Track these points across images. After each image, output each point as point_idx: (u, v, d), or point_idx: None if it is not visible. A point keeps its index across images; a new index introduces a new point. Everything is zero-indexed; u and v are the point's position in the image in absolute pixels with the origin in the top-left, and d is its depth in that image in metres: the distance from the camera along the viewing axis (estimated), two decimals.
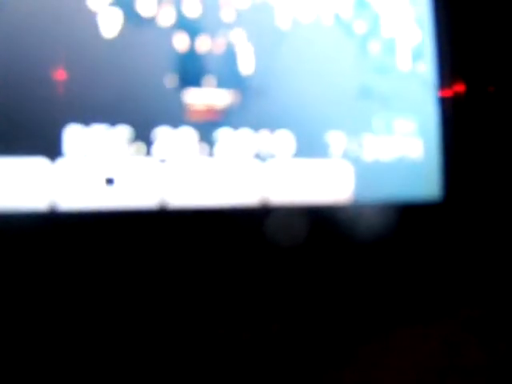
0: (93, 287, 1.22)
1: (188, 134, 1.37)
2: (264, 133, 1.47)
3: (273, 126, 1.48)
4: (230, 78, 1.44)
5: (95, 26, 1.29)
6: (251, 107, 1.46)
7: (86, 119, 1.25)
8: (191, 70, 1.39)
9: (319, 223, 1.48)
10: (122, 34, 1.31)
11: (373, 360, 1.18)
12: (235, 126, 1.43)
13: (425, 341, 1.27)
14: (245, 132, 1.44)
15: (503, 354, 1.20)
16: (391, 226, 1.53)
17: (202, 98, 1.40)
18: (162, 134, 1.34)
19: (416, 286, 1.54)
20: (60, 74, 1.23)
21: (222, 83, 1.43)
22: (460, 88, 1.80)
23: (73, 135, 1.24)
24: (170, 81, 1.36)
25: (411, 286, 1.54)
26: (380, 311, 1.41)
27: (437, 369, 1.15)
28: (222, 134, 1.41)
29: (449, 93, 1.79)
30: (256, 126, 1.46)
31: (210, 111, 1.41)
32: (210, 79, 1.41)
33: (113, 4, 1.31)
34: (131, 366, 1.14)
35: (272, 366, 1.16)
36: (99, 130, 1.27)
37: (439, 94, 1.78)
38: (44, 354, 1.11)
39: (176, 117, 1.36)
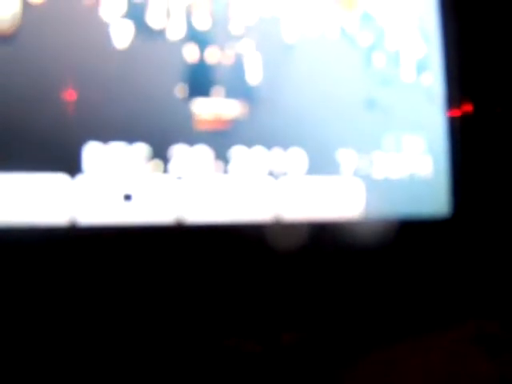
0: (111, 300, 1.24)
1: (203, 152, 1.40)
2: (277, 150, 1.49)
3: (285, 143, 1.50)
4: (239, 89, 1.46)
5: (108, 39, 1.30)
6: (259, 119, 1.47)
7: (105, 137, 1.28)
8: (201, 81, 1.41)
9: (331, 239, 1.50)
10: (132, 46, 1.32)
11: (378, 373, 1.20)
12: (245, 139, 1.45)
13: (430, 353, 1.27)
14: (258, 150, 1.47)
15: (510, 367, 1.21)
16: (401, 241, 1.55)
17: (212, 108, 1.42)
18: (178, 151, 1.37)
19: (424, 301, 1.55)
20: (75, 93, 1.25)
21: (230, 93, 1.44)
22: (468, 108, 1.82)
23: (92, 152, 1.27)
24: (182, 93, 1.38)
25: (420, 301, 1.55)
26: (388, 324, 1.43)
27: (442, 382, 1.16)
28: (236, 152, 1.44)
29: (457, 112, 1.81)
30: (267, 143, 1.48)
31: (220, 122, 1.42)
32: (219, 89, 1.43)
33: (124, 16, 1.32)
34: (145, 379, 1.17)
35: (276, 376, 1.18)
36: (117, 147, 1.30)
37: (448, 114, 1.80)
38: (60, 369, 1.14)
39: (191, 133, 1.39)
